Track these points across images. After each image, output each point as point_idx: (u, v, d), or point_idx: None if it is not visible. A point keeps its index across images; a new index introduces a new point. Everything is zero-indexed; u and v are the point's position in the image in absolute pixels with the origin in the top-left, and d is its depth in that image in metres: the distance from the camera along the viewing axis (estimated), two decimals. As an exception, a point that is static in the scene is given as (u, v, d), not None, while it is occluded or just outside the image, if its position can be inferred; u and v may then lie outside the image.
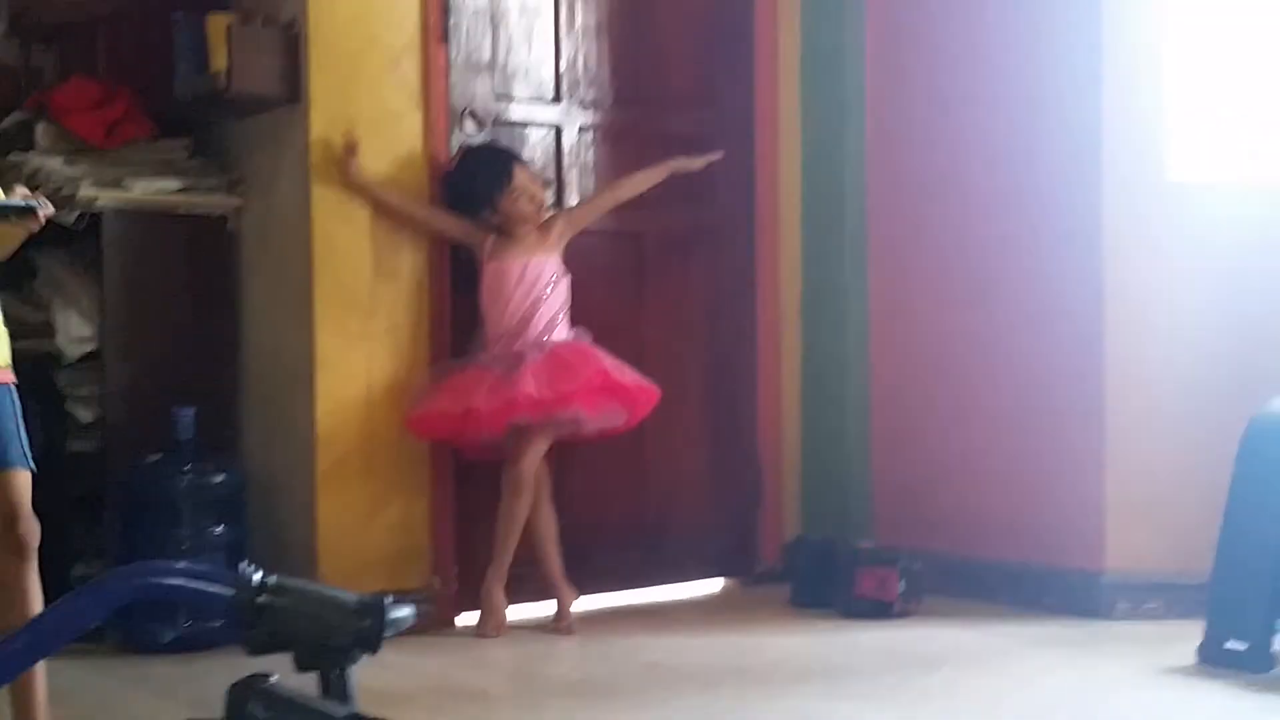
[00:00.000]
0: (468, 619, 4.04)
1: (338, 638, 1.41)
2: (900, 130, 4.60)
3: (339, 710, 1.42)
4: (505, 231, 4.00)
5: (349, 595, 1.44)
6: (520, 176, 3.99)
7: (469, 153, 4.03)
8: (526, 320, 3.95)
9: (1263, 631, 3.43)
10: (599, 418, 3.97)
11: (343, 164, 3.84)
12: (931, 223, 4.52)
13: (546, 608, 4.07)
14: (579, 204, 4.22)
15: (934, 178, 4.53)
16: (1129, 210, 4.06)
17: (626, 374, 3.98)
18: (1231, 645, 3.48)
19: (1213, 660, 3.48)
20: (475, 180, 3.98)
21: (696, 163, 4.26)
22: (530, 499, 3.94)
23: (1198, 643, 3.52)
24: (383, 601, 1.41)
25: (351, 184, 3.85)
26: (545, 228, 4.05)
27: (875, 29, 4.64)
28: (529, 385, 3.82)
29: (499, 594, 3.95)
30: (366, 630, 1.40)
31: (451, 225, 4.01)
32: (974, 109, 4.39)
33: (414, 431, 3.93)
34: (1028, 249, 4.26)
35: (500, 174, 3.97)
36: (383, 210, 3.90)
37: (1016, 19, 4.29)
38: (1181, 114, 4.07)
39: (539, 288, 3.97)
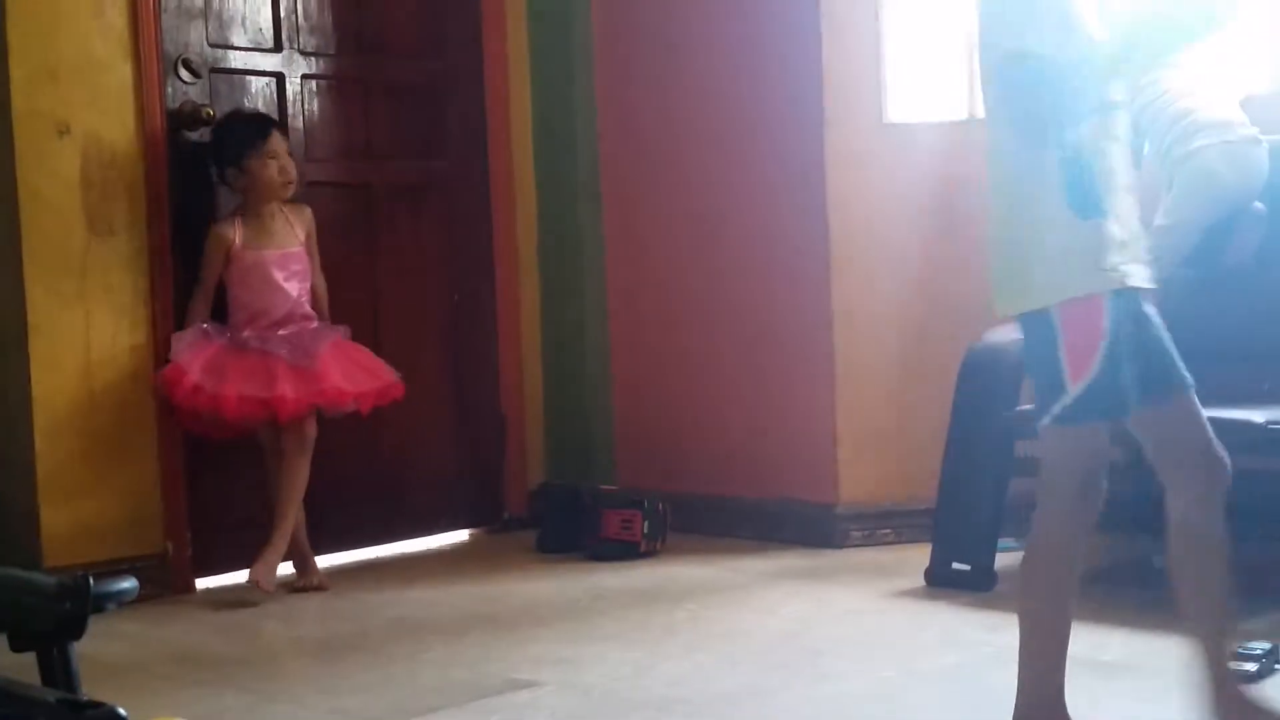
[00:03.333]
0: (207, 584, 3.94)
1: (37, 623, 1.34)
2: (629, 76, 4.62)
3: (47, 696, 1.35)
4: (252, 210, 3.91)
5: (47, 578, 1.37)
6: (275, 142, 3.91)
7: (231, 114, 4.00)
8: (293, 311, 3.92)
9: (985, 552, 3.61)
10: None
11: None
12: (664, 167, 4.56)
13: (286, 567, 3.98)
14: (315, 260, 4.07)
15: (663, 121, 4.57)
16: (850, 151, 4.17)
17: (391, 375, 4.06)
18: (957, 566, 3.65)
19: (940, 582, 3.64)
20: (230, 135, 3.92)
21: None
22: None
23: (925, 566, 3.68)
24: (85, 582, 1.35)
25: None
26: (297, 222, 3.99)
27: (602, -25, 4.64)
28: (336, 379, 3.87)
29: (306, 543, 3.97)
30: (69, 613, 1.33)
31: (217, 257, 3.90)
32: (701, 55, 4.44)
33: (184, 408, 3.78)
34: (756, 190, 4.34)
35: (255, 134, 3.90)
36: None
37: (739, -36, 4.35)
38: (897, 58, 4.21)
39: (299, 278, 3.95)
